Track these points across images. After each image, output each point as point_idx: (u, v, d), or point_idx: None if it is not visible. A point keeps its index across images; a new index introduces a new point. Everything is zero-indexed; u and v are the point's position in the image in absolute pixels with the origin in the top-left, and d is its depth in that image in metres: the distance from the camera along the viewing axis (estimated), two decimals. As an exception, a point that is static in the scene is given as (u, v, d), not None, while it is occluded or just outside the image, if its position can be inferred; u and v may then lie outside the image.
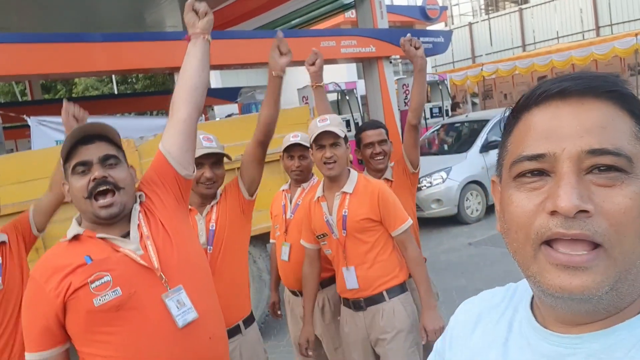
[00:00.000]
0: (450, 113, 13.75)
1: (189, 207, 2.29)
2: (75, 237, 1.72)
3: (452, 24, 29.88)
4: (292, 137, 3.14)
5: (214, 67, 12.76)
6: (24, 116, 6.75)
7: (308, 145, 3.00)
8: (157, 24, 15.10)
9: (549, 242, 0.65)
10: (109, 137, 1.75)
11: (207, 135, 2.48)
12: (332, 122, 2.66)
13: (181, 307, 1.70)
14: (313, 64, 3.35)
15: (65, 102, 2.58)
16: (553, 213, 0.63)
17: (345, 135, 2.69)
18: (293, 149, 3.14)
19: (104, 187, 1.68)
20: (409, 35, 3.22)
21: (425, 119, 13.73)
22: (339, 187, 2.70)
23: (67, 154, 1.70)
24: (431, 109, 14.17)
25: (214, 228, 2.45)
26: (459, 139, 11.06)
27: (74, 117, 2.54)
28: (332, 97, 13.83)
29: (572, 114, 0.66)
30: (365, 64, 12.16)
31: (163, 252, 1.75)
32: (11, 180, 3.80)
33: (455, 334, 0.89)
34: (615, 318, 0.67)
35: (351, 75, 18.24)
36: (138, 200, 1.84)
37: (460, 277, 6.41)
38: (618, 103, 0.66)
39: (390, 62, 12.41)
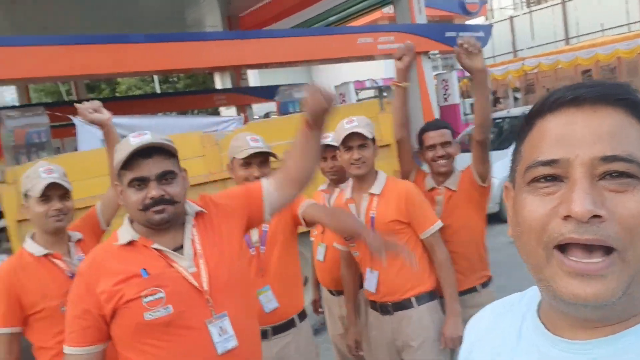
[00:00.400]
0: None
1: None
2: (130, 243, 1.75)
3: (493, 17, 29.31)
4: (324, 140, 3.10)
5: (252, 66, 12.90)
6: (70, 116, 6.97)
7: (336, 145, 2.98)
8: (198, 24, 15.35)
9: (561, 247, 0.65)
10: (166, 149, 1.76)
11: (254, 136, 2.52)
12: (360, 123, 2.63)
13: (223, 334, 1.73)
14: (400, 58, 3.06)
15: (77, 106, 2.59)
16: (566, 218, 0.64)
17: (373, 137, 2.66)
18: (325, 150, 3.11)
19: (161, 206, 1.71)
20: (465, 38, 2.57)
21: (466, 114, 13.54)
22: (367, 188, 2.68)
23: (124, 163, 1.72)
24: (471, 105, 13.94)
25: (267, 229, 2.50)
26: (500, 135, 10.86)
27: (94, 111, 2.57)
28: (370, 93, 13.78)
29: (585, 120, 0.67)
30: (404, 60, 12.08)
31: (214, 274, 1.77)
32: (82, 176, 3.91)
33: (472, 350, 0.90)
34: (624, 323, 0.67)
35: (389, 72, 18.11)
36: (193, 212, 1.86)
37: (501, 276, 6.30)
38: (630, 111, 0.68)
39: (429, 58, 12.26)
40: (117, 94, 22.08)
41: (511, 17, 27.31)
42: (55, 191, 2.39)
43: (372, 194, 2.66)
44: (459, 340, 2.47)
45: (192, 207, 1.88)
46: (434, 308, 2.67)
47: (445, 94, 13.37)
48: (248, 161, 2.46)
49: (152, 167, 1.71)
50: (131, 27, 12.66)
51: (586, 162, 0.65)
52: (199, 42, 10.09)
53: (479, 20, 25.72)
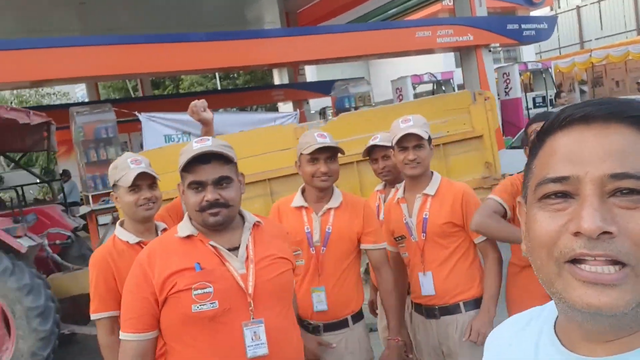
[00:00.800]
0: (554, 102, 13.05)
1: (305, 204, 2.54)
2: (188, 237, 1.85)
3: (559, 7, 28.17)
4: (372, 140, 3.07)
5: (310, 62, 13.00)
6: (136, 112, 7.28)
7: (389, 144, 2.91)
8: (257, 21, 15.62)
9: (572, 261, 0.66)
10: (225, 156, 1.84)
11: (322, 133, 2.53)
12: (416, 123, 2.57)
13: (256, 339, 1.78)
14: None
15: (192, 104, 2.72)
16: (577, 234, 0.65)
17: (429, 137, 2.60)
18: (374, 152, 3.08)
19: (216, 209, 1.80)
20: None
21: (528, 109, 13.13)
22: (421, 188, 2.61)
23: (185, 167, 1.82)
24: (534, 99, 13.53)
25: (330, 231, 2.50)
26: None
27: (202, 109, 2.72)
28: (427, 87, 13.60)
29: (595, 138, 0.68)
30: (463, 53, 11.84)
31: (260, 281, 1.83)
32: (170, 168, 4.14)
33: None
34: (636, 337, 0.67)
35: (448, 65, 17.80)
36: (252, 221, 1.95)
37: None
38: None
39: (490, 51, 11.99)
40: (180, 90, 22.78)
41: (578, 7, 26.14)
42: (143, 181, 2.47)
43: (426, 195, 2.60)
44: (483, 337, 2.42)
45: (251, 217, 1.96)
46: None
47: (506, 88, 13.02)
48: (315, 157, 2.46)
49: (209, 173, 1.80)
50: (193, 26, 13.03)
51: (596, 179, 0.65)
52: (258, 39, 10.29)
53: (543, 11, 24.81)
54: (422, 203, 2.60)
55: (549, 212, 0.69)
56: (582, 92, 17.37)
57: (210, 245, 1.82)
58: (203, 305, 1.73)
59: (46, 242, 5.31)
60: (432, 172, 2.67)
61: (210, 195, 1.78)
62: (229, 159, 1.85)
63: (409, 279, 2.72)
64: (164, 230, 2.54)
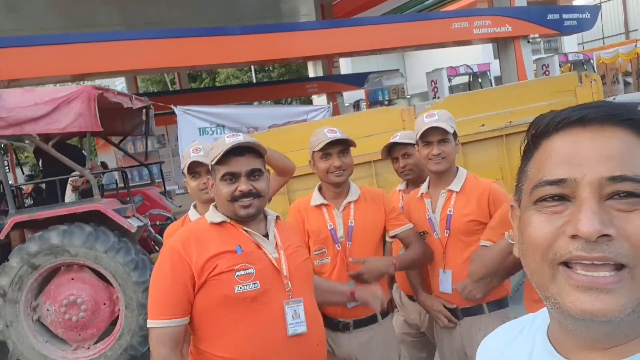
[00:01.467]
0: (596, 94, 12.66)
1: (325, 202, 2.55)
2: (221, 224, 1.93)
3: (603, -4, 27.27)
4: (392, 138, 3.03)
5: (344, 54, 12.97)
6: (172, 105, 7.41)
7: (409, 142, 2.90)
8: (292, 13, 15.65)
9: (566, 264, 0.65)
10: (257, 150, 1.95)
11: (331, 128, 2.54)
12: (441, 118, 2.50)
13: (296, 317, 1.87)
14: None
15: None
16: (574, 237, 0.64)
17: (455, 131, 2.53)
18: (394, 150, 3.03)
19: (248, 200, 1.89)
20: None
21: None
22: (446, 184, 2.55)
23: (219, 160, 1.91)
24: (574, 91, 13.14)
25: (353, 225, 2.50)
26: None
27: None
28: (464, 79, 13.40)
29: (592, 140, 0.67)
30: (501, 44, 11.61)
31: (292, 264, 1.94)
32: (297, 147, 4.31)
33: None
34: (635, 344, 0.66)
35: (486, 57, 17.47)
36: (274, 215, 2.05)
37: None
38: (637, 131, 0.68)
39: (529, 42, 11.71)
40: (216, 83, 23.07)
41: (624, -5, 25.25)
42: (202, 167, 2.64)
43: (450, 191, 2.54)
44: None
45: (271, 212, 2.06)
46: (506, 316, 2.50)
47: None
48: (327, 152, 2.46)
49: (243, 164, 1.88)
50: (230, 20, 13.16)
51: (594, 181, 0.65)
52: (293, 32, 10.32)
53: (587, 0, 24.06)
54: (446, 199, 2.54)
55: (545, 215, 0.68)
56: (626, 83, 16.80)
57: (245, 230, 1.91)
58: (246, 285, 1.81)
59: (149, 222, 5.59)
60: (457, 168, 2.60)
61: (244, 185, 1.87)
62: (260, 153, 1.94)
63: (430, 275, 2.67)
64: None
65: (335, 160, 2.46)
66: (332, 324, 2.50)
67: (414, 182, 3.03)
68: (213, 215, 1.95)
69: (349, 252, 2.48)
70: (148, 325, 1.82)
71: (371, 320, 2.51)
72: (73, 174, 5.52)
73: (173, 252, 1.84)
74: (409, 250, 2.57)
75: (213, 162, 1.91)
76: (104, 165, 12.46)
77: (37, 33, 10.61)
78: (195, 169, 2.66)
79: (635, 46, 15.46)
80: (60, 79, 10.48)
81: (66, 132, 4.91)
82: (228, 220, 1.91)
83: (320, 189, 2.60)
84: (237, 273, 1.80)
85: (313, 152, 2.51)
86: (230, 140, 1.90)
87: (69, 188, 6.07)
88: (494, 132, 4.57)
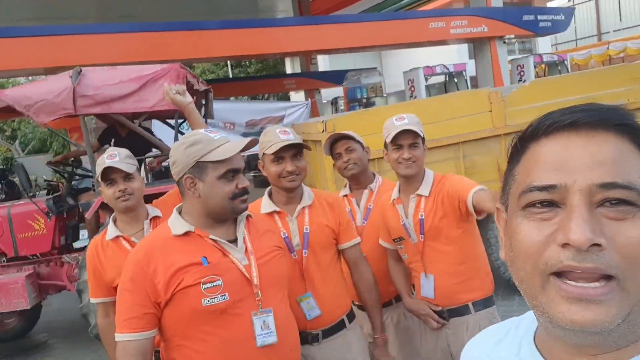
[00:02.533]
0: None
1: (276, 209, 2.37)
2: (186, 234, 1.81)
3: (577, -2, 27.77)
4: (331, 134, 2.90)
5: (322, 51, 12.97)
6: (147, 100, 7.29)
7: (350, 135, 2.83)
8: (269, 9, 15.57)
9: (557, 274, 0.64)
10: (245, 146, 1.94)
11: (284, 129, 2.41)
12: (411, 122, 2.46)
13: (265, 328, 1.81)
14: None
15: (165, 88, 2.80)
16: (565, 245, 0.62)
17: (423, 136, 2.49)
18: (336, 146, 2.86)
19: (246, 196, 1.88)
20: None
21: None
22: (414, 189, 2.52)
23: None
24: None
25: (308, 231, 2.37)
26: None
27: (177, 93, 2.74)
28: (440, 79, 13.51)
29: (583, 145, 0.65)
30: (477, 44, 11.73)
31: (262, 270, 1.86)
32: (372, 131, 4.37)
33: None
34: (625, 352, 0.65)
35: (462, 56, 17.64)
36: (245, 213, 1.96)
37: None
38: (628, 136, 0.66)
39: (504, 42, 11.86)
40: (192, 78, 22.81)
41: (597, -2, 25.76)
42: (117, 174, 2.53)
43: (419, 196, 2.52)
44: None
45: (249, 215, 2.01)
46: (492, 315, 2.49)
47: (520, 80, 12.89)
48: (280, 155, 2.30)
49: (240, 161, 1.87)
50: (206, 15, 13.03)
51: (584, 188, 0.63)
52: (270, 28, 10.27)
53: (560, 2, 24.46)
54: (416, 204, 2.52)
55: (535, 222, 0.66)
56: (597, 85, 17.16)
57: (210, 239, 1.83)
58: (214, 298, 1.74)
59: None
60: (425, 170, 2.57)
61: (245, 182, 1.86)
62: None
63: (412, 280, 2.65)
64: (154, 218, 2.59)
65: (289, 165, 2.30)
66: (300, 337, 2.34)
67: (356, 180, 2.90)
68: (176, 224, 1.85)
69: (306, 261, 2.35)
70: (116, 339, 1.76)
71: (339, 326, 2.41)
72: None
73: (136, 267, 1.77)
74: (366, 301, 2.49)
75: (211, 159, 1.81)
76: (77, 160, 12.23)
77: (10, 25, 10.37)
78: (110, 175, 2.51)
79: (608, 48, 15.82)
80: (33, 72, 10.26)
81: (154, 111, 4.83)
82: (192, 229, 1.83)
83: (270, 195, 2.43)
84: (204, 286, 1.73)
85: (264, 154, 2.35)
86: (217, 136, 1.85)
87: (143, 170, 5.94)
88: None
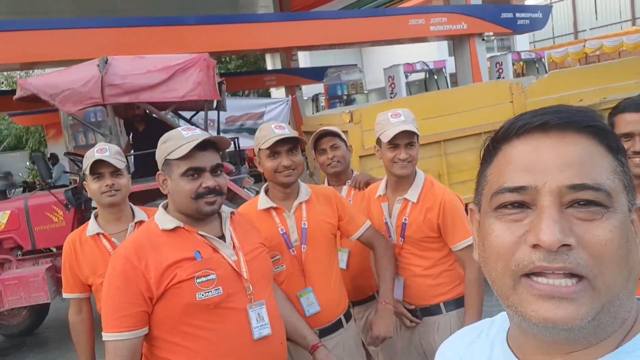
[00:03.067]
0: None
1: (273, 205, 2.35)
2: (175, 229, 1.81)
3: (554, -4, 28.13)
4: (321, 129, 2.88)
5: (302, 48, 12.94)
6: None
7: (336, 132, 2.82)
8: (250, 5, 15.49)
9: (528, 275, 0.65)
10: (218, 146, 1.87)
11: (279, 124, 2.37)
12: (407, 118, 2.40)
13: (260, 321, 1.84)
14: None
15: None
16: (535, 246, 0.64)
17: (419, 134, 2.44)
18: (322, 142, 2.86)
19: (213, 197, 1.81)
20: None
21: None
22: (403, 190, 2.49)
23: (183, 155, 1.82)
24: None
25: (306, 226, 2.35)
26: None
27: None
28: (420, 76, 13.58)
29: (553, 147, 0.67)
30: (456, 41, 11.82)
31: (251, 266, 1.88)
32: (431, 115, 4.79)
33: None
34: (595, 350, 0.66)
35: (442, 54, 17.76)
36: (229, 211, 1.98)
37: None
38: (597, 138, 0.67)
39: (483, 40, 11.97)
40: (172, 74, 22.59)
41: (574, -3, 26.11)
42: (107, 169, 2.50)
43: (406, 200, 2.47)
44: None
45: (226, 207, 1.98)
46: (463, 315, 2.47)
47: (498, 77, 13.02)
48: (275, 150, 2.27)
49: (207, 159, 1.81)
50: (186, 10, 12.91)
51: (554, 190, 0.64)
52: (250, 24, 10.22)
53: (538, 0, 24.74)
54: (402, 208, 2.49)
55: (506, 223, 0.68)
56: (574, 82, 17.40)
57: (200, 234, 1.83)
58: (208, 292, 1.74)
59: None
60: (415, 172, 2.52)
61: (210, 182, 1.80)
62: (219, 148, 1.88)
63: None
64: (140, 222, 2.54)
65: (285, 160, 2.27)
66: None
67: (337, 177, 2.92)
68: (164, 219, 1.84)
69: (305, 256, 2.33)
70: (104, 338, 1.72)
71: (337, 326, 2.38)
72: None
73: (126, 262, 1.73)
74: (380, 268, 2.44)
75: (175, 157, 1.79)
76: (53, 156, 12.08)
77: (-18, 18, 10.15)
78: (98, 169, 2.48)
79: (584, 46, 16.05)
80: (8, 67, 10.06)
81: (184, 101, 4.79)
82: (181, 224, 1.82)
83: (267, 191, 2.41)
84: (198, 280, 1.73)
85: (259, 149, 2.32)
86: (188, 134, 1.81)
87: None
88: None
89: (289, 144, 2.29)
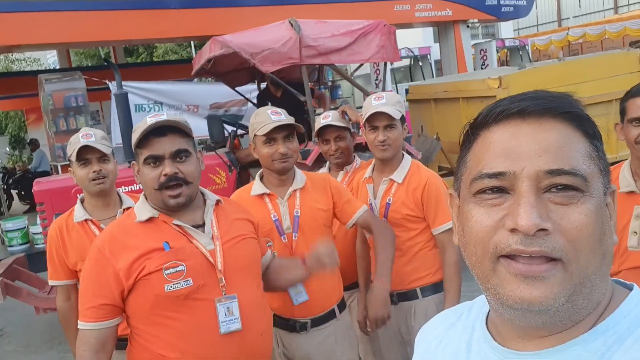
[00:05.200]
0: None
1: (267, 191, 2.33)
2: (149, 220, 1.78)
3: (538, -16, 28.23)
4: (323, 119, 2.88)
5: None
6: (106, 81, 7.11)
7: (342, 125, 2.85)
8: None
9: (507, 256, 0.67)
10: (181, 129, 1.78)
11: (276, 110, 2.33)
12: (389, 101, 2.39)
13: (229, 315, 1.77)
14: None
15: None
16: (513, 230, 0.65)
17: (403, 116, 2.42)
18: (326, 132, 2.88)
19: (174, 183, 1.73)
20: None
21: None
22: (389, 172, 2.49)
23: (139, 142, 1.76)
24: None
25: (298, 214, 2.32)
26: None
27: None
28: (405, 63, 13.56)
29: (530, 133, 0.68)
30: (441, 28, 11.80)
31: (228, 256, 1.81)
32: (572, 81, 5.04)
33: None
34: (570, 332, 0.68)
35: (427, 40, 17.74)
36: (214, 199, 1.91)
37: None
38: (574, 124, 0.69)
39: (468, 27, 11.97)
40: (154, 59, 22.29)
41: (558, -16, 26.24)
42: (92, 154, 2.43)
43: (392, 180, 2.47)
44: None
45: (212, 195, 1.93)
46: (439, 301, 2.47)
47: (483, 64, 13.05)
48: (271, 137, 2.25)
49: (166, 145, 1.73)
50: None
51: (532, 175, 0.66)
52: (235, 8, 10.11)
53: (523, -13, 24.81)
54: (387, 188, 2.49)
55: (485, 208, 0.69)
56: (557, 70, 17.54)
57: (175, 224, 1.79)
58: (177, 284, 1.71)
59: None
60: (402, 155, 2.52)
61: (168, 168, 1.72)
62: (185, 132, 1.79)
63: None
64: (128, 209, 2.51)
65: (281, 147, 2.25)
66: (288, 325, 2.35)
67: (340, 165, 2.94)
68: (141, 209, 1.81)
69: (296, 245, 2.31)
70: (78, 327, 1.73)
71: (329, 316, 2.37)
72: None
73: (99, 254, 1.74)
74: (377, 247, 2.39)
75: (134, 146, 1.76)
76: (33, 142, 11.88)
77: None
78: (85, 155, 2.41)
79: (567, 34, 16.16)
80: (-15, 49, 9.83)
81: (368, 62, 5.10)
82: (157, 214, 1.79)
83: (262, 177, 2.39)
84: (167, 271, 1.70)
85: (255, 135, 2.30)
86: (151, 120, 1.76)
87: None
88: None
89: (285, 131, 2.27)
